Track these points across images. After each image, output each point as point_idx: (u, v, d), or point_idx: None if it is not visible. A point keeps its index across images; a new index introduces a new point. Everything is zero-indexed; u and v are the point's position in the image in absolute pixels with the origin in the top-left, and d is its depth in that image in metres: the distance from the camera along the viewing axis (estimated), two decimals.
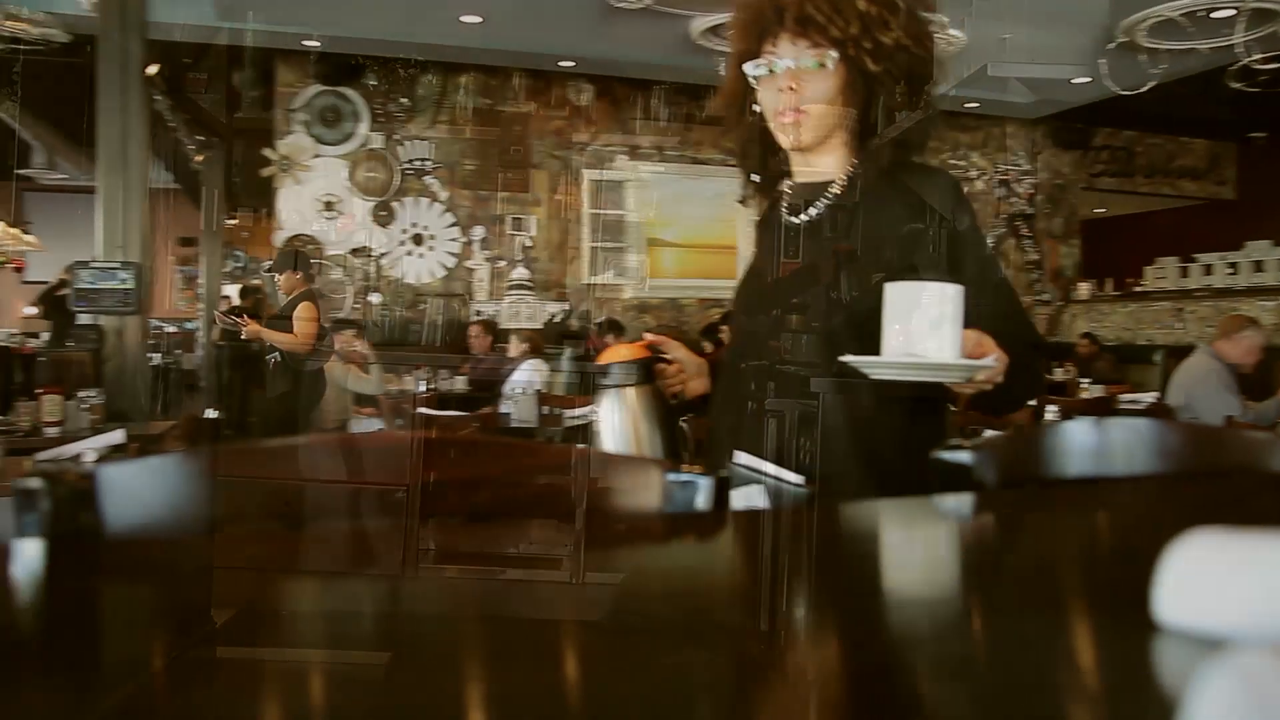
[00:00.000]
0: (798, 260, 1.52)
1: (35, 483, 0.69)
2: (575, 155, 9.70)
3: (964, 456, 0.95)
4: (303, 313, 5.89)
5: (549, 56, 8.97)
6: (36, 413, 4.88)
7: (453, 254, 9.30)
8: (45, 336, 9.98)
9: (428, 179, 9.23)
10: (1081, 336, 9.75)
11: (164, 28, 7.85)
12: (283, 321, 5.96)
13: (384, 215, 9.01)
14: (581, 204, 9.68)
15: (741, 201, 1.71)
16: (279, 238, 8.47)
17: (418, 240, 9.12)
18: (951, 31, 6.80)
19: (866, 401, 1.38)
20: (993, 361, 1.20)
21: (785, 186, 1.61)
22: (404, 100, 9.11)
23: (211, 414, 5.49)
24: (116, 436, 3.72)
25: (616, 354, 1.62)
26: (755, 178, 1.64)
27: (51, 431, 4.72)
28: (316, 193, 8.56)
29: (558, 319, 9.50)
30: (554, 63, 9.15)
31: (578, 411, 5.30)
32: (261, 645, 0.46)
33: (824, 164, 1.53)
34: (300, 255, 6.42)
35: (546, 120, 9.62)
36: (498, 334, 7.75)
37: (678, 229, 9.96)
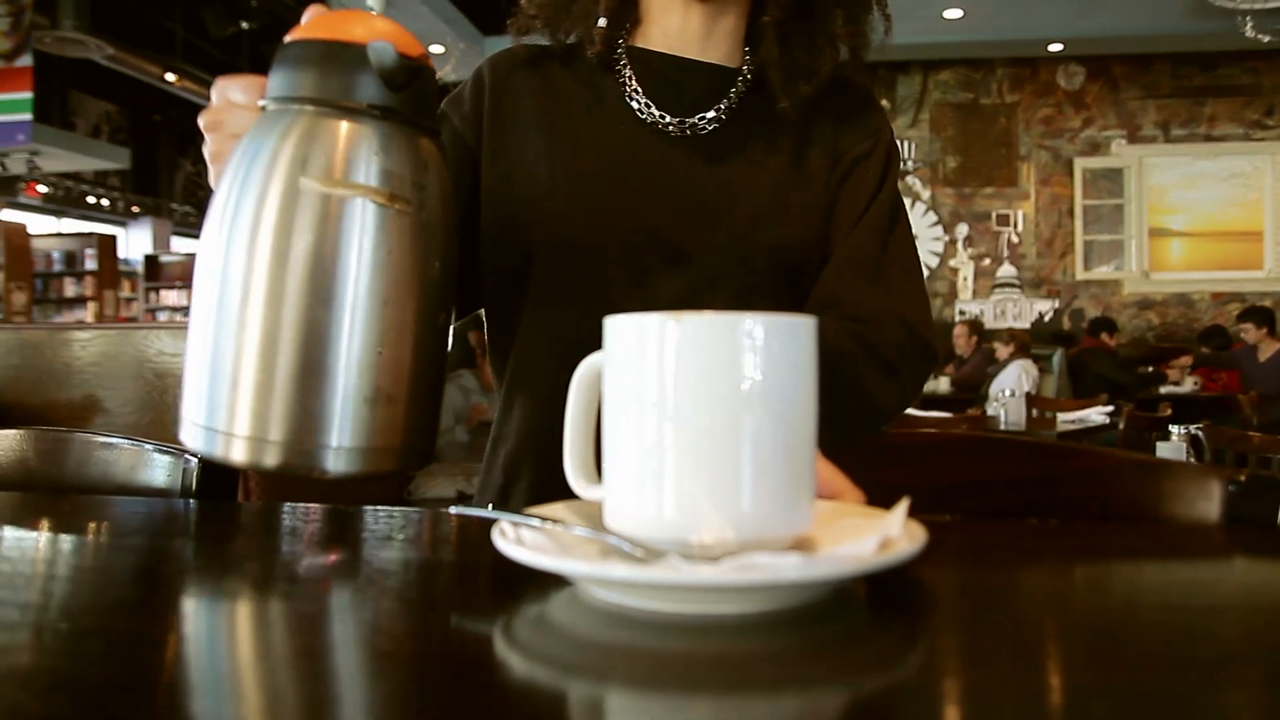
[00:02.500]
0: (689, 188, 1.00)
1: None
2: (1066, 143, 9.13)
3: None
4: None
5: (1036, 42, 8.53)
6: None
7: (935, 253, 9.15)
8: None
9: (910, 178, 9.17)
10: None
11: None
12: None
13: None
14: (1074, 195, 9.08)
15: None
16: None
17: None
18: None
19: None
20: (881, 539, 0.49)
21: (621, 55, 1.06)
22: (884, 102, 9.14)
23: None
24: None
25: (370, 27, 0.63)
26: (602, 23, 1.04)
27: None
28: None
29: (1047, 317, 8.99)
30: (1042, 48, 8.68)
31: (1071, 416, 5.01)
32: None
33: (719, 41, 1.05)
34: None
35: (1034, 109, 9.15)
36: (983, 333, 7.50)
37: (1186, 216, 8.99)
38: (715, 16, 1.04)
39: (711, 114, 1.03)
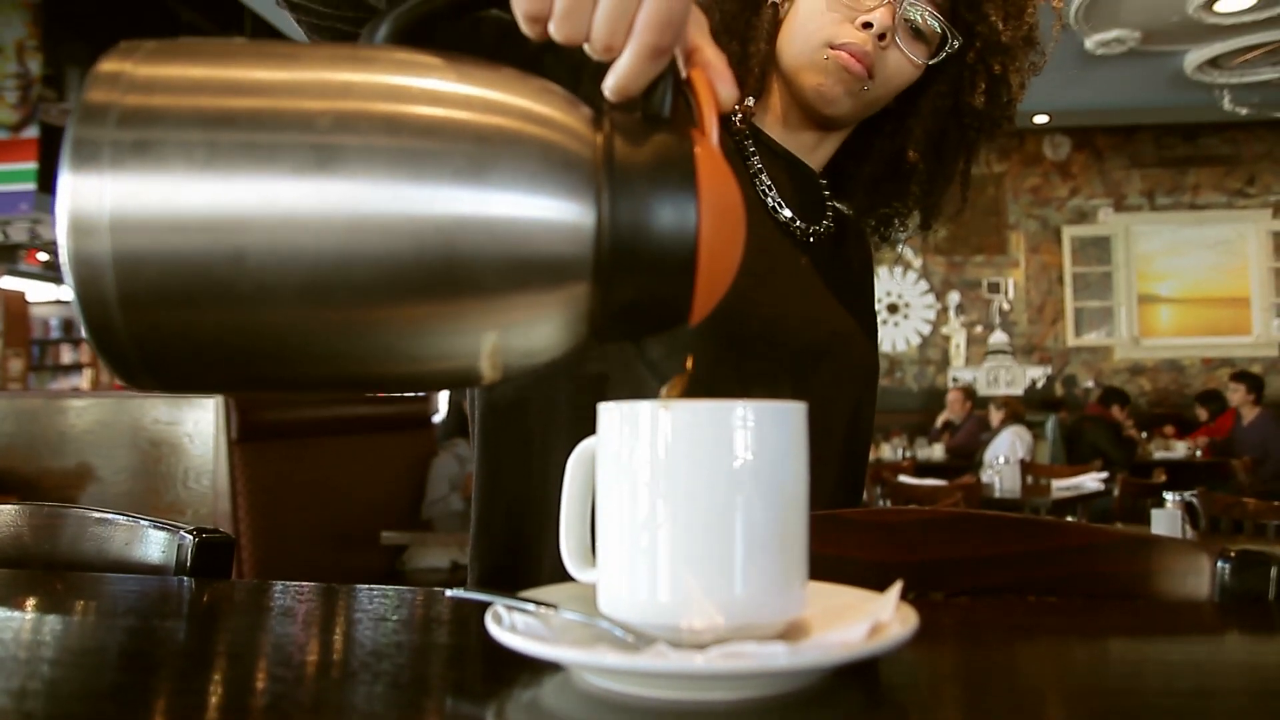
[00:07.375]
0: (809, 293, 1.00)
1: None
2: (1054, 212, 9.24)
3: None
4: None
5: (1022, 113, 8.62)
6: None
7: (928, 321, 9.20)
8: None
9: (901, 247, 9.23)
10: None
11: None
12: None
13: None
14: (1063, 263, 9.16)
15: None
16: None
17: (893, 309, 9.15)
18: None
19: None
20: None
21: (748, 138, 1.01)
22: None
23: None
24: None
25: None
26: (749, 102, 1.01)
27: None
28: None
29: (1040, 384, 9.02)
30: (1028, 119, 8.82)
31: (1066, 482, 5.00)
32: None
33: (824, 151, 1.06)
34: None
35: (1022, 178, 9.27)
36: (976, 400, 7.52)
37: (1174, 282, 9.07)
38: (828, 133, 1.04)
39: (823, 224, 1.03)
